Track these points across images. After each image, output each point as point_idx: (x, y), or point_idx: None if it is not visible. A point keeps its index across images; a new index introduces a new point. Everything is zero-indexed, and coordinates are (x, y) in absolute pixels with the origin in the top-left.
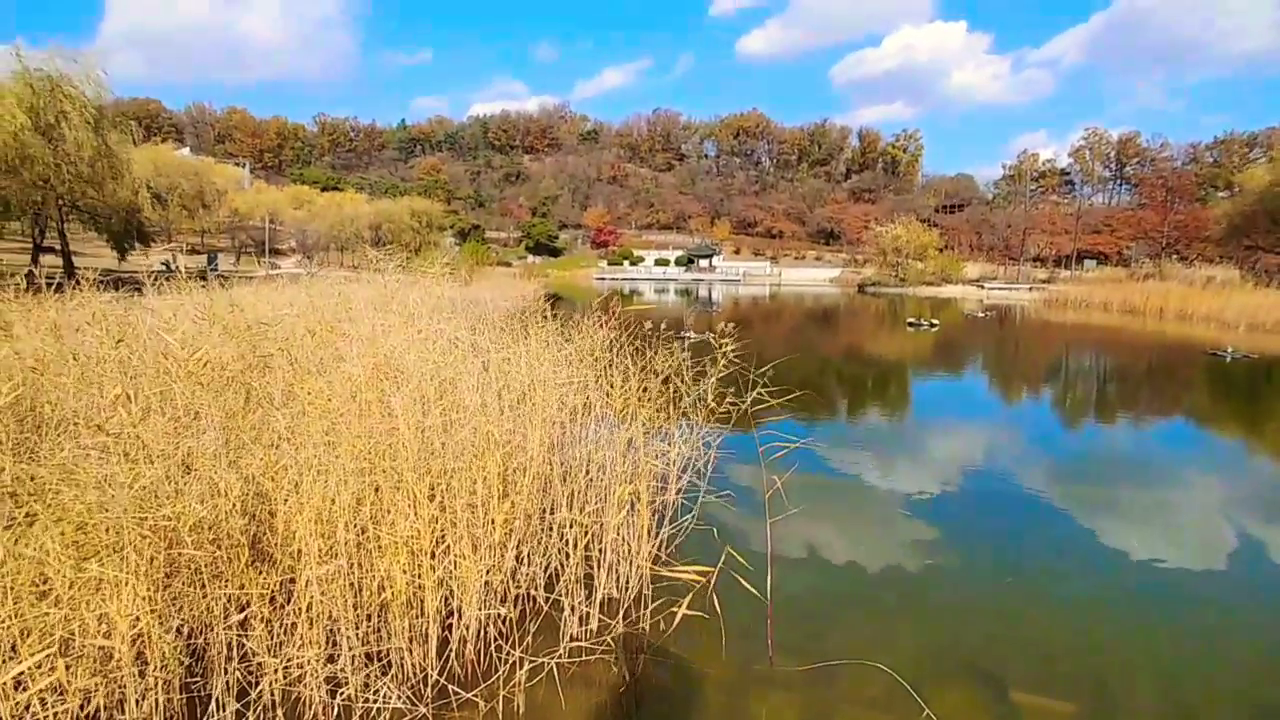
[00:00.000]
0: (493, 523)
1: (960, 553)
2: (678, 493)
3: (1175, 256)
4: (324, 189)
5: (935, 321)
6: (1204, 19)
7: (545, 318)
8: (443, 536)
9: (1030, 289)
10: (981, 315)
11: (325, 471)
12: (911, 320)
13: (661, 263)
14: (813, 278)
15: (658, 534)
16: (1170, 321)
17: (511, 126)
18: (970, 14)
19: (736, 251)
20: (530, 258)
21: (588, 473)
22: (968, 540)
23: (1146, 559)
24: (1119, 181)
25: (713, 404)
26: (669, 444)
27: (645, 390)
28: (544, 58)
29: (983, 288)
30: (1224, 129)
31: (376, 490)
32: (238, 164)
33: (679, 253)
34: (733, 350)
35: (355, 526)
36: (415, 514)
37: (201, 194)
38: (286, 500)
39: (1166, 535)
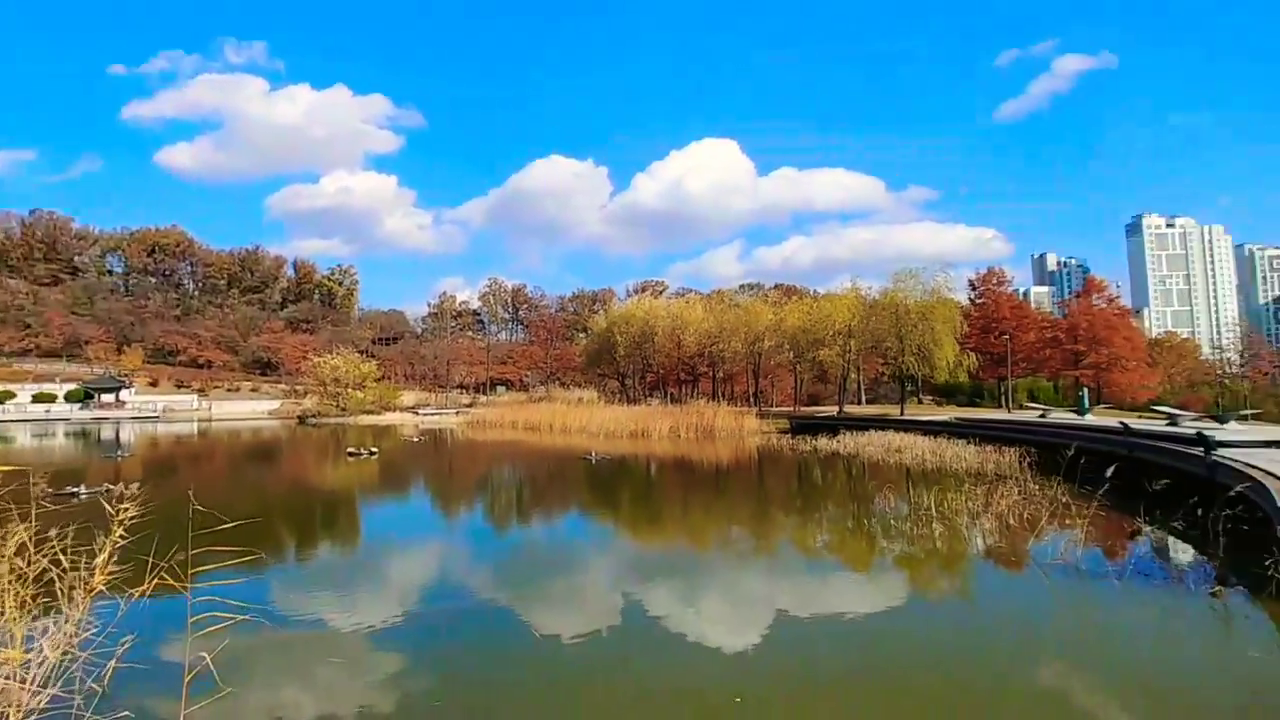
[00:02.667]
0: None
1: (426, 680)
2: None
3: (558, 382)
4: None
5: (375, 449)
6: (559, 208)
7: None
8: None
9: (457, 413)
10: (418, 439)
11: None
12: (352, 450)
13: (44, 398)
14: (250, 410)
15: None
16: (559, 435)
17: None
18: (398, 171)
19: (154, 384)
20: None
21: None
22: (433, 668)
23: (568, 637)
24: (516, 322)
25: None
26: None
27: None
28: None
29: (418, 414)
30: (579, 286)
31: None
32: None
33: (71, 386)
34: (135, 513)
35: None
36: None
37: None
38: None
39: (582, 612)
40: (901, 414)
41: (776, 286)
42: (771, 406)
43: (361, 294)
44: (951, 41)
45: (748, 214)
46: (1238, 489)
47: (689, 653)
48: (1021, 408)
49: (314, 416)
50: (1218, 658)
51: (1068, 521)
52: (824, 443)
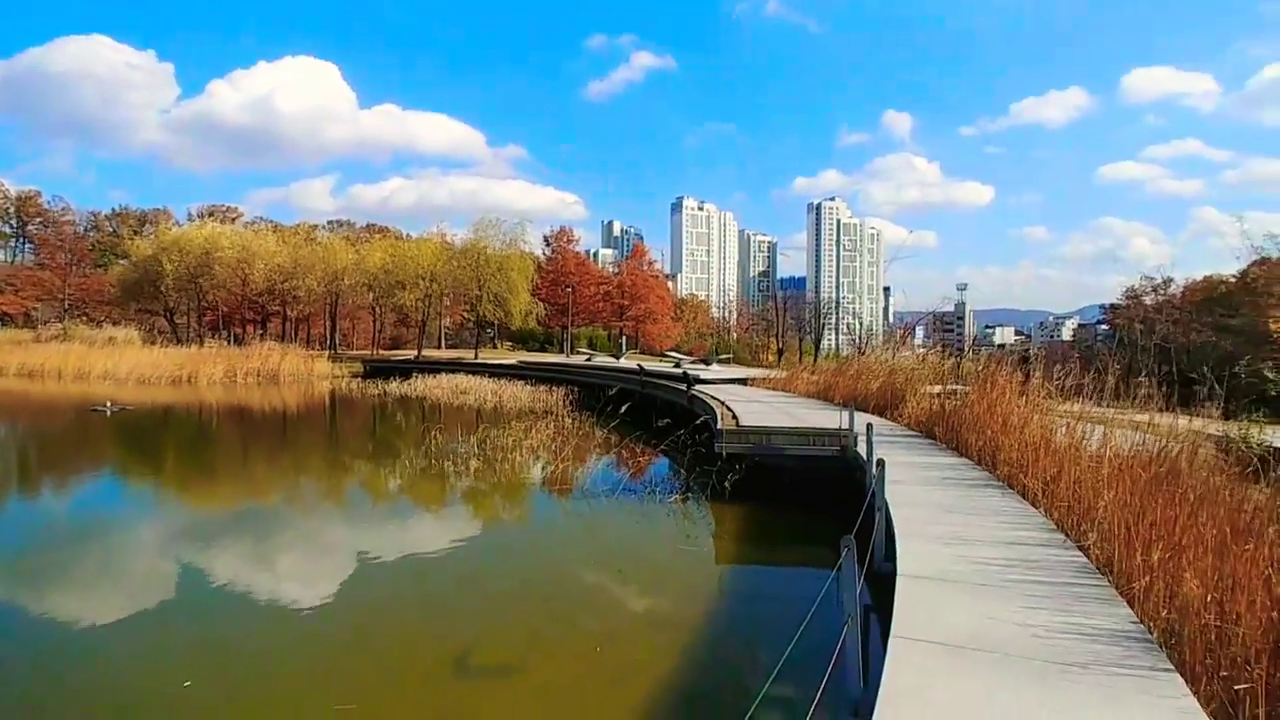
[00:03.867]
0: None
1: None
2: None
3: (85, 318)
4: None
5: None
6: (104, 103)
7: None
8: None
9: None
10: None
11: None
12: None
13: None
14: None
15: None
16: (70, 382)
17: None
18: None
19: None
20: None
21: None
22: None
23: (91, 626)
24: (22, 239)
25: None
26: None
27: None
28: None
29: None
30: (124, 203)
31: None
32: None
33: None
34: None
35: None
36: None
37: None
38: None
39: (117, 594)
40: (475, 358)
41: (369, 226)
42: (351, 350)
43: None
44: (555, 11)
45: (346, 145)
46: (703, 418)
47: (245, 621)
48: (577, 353)
49: None
50: (665, 548)
51: (596, 450)
52: (395, 386)
